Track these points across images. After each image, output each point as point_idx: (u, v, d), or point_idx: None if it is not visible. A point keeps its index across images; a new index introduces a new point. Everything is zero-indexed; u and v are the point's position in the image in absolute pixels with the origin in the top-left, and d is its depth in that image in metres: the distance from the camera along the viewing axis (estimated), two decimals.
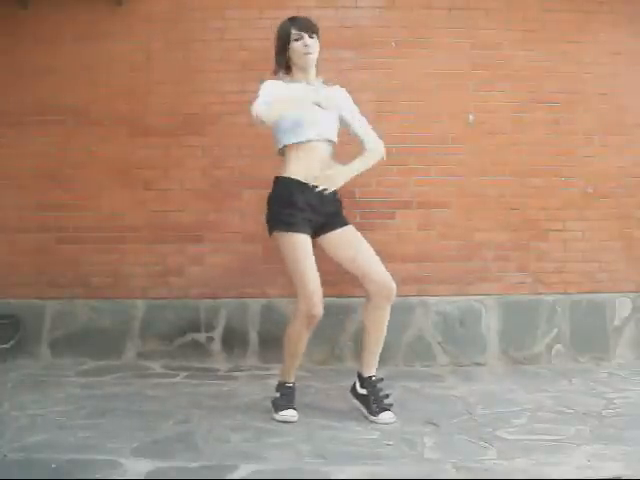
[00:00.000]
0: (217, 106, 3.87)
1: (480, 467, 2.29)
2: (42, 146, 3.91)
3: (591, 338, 3.86)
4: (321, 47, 2.93)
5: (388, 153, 3.81)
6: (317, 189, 2.74)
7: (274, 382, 3.40)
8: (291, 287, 3.63)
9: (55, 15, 3.89)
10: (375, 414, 2.76)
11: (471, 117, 3.90)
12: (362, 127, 2.93)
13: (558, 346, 3.84)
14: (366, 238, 3.62)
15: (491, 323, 3.85)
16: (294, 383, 2.93)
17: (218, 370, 3.67)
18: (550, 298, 3.88)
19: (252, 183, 3.76)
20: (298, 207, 2.71)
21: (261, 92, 2.72)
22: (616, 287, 3.92)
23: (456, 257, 3.88)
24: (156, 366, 3.71)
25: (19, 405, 2.96)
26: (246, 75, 3.85)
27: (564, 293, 3.89)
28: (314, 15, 3.83)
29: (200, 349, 3.84)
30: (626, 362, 3.82)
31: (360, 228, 3.75)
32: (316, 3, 3.90)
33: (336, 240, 2.83)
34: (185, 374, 3.56)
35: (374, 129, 2.97)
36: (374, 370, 2.86)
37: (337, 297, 3.60)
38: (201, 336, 3.85)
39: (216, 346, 3.85)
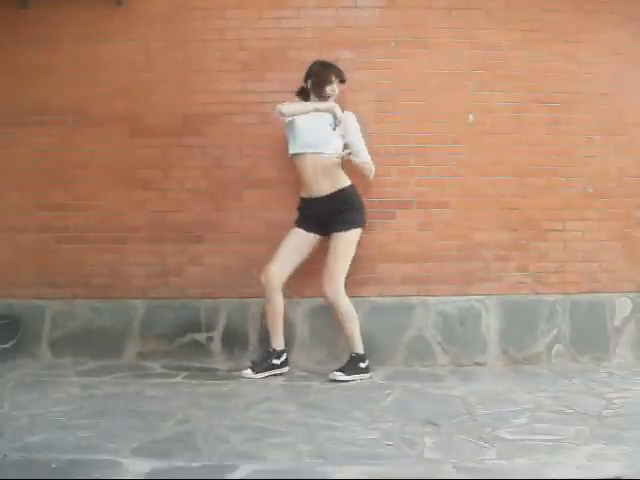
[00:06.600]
0: (217, 106, 3.87)
1: (480, 467, 2.29)
2: (42, 146, 3.91)
3: (591, 338, 3.86)
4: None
5: (388, 153, 3.87)
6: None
7: (274, 382, 3.43)
8: (291, 287, 3.66)
9: (55, 15, 3.89)
10: None
11: (471, 117, 3.90)
12: (361, 146, 3.59)
13: (558, 346, 3.84)
14: (366, 238, 3.65)
15: (491, 323, 3.84)
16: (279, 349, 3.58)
17: (218, 370, 3.67)
18: (550, 298, 3.88)
19: (252, 183, 3.76)
20: (304, 214, 3.61)
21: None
22: (616, 287, 3.92)
23: (456, 257, 3.88)
24: (156, 366, 3.71)
25: (19, 405, 2.96)
26: (246, 75, 3.85)
27: (564, 293, 3.89)
28: (314, 15, 3.89)
29: (200, 349, 3.84)
30: (626, 362, 3.82)
31: None
32: (316, 3, 3.90)
33: (329, 242, 3.56)
34: (185, 374, 3.56)
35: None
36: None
37: None
38: (201, 336, 3.85)
39: (216, 346, 3.85)
